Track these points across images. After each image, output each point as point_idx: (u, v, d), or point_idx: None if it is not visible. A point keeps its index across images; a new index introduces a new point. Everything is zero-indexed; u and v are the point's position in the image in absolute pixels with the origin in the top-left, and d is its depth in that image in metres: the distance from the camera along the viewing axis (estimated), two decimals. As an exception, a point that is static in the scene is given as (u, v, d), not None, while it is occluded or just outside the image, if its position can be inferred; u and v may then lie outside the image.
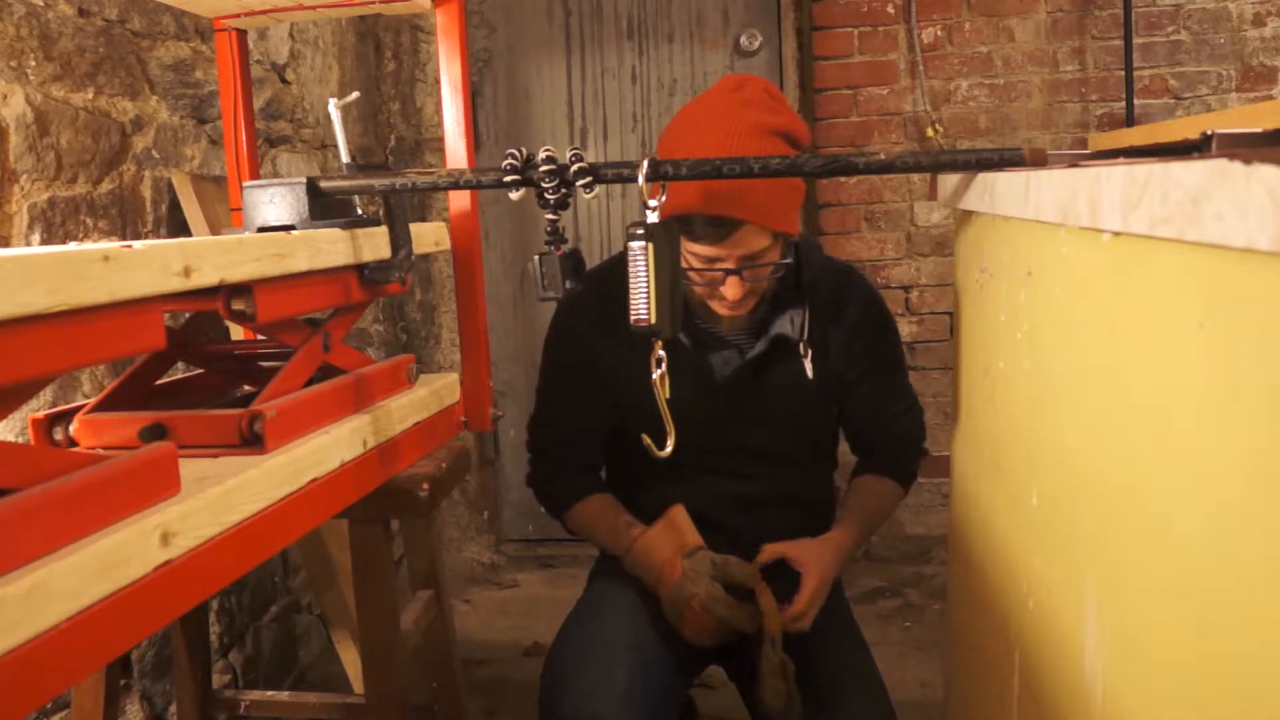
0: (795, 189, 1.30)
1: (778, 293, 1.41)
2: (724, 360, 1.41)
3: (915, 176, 2.74)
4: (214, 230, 1.70)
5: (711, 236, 1.24)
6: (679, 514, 1.40)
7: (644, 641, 1.34)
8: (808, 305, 1.40)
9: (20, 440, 1.30)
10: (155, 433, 0.98)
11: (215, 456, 0.97)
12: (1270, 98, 2.66)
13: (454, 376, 1.48)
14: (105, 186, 1.55)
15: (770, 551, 1.38)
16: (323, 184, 1.17)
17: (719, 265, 1.27)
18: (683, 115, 1.31)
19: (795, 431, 1.46)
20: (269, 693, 1.62)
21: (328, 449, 1.07)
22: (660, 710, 1.30)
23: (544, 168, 1.05)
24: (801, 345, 1.40)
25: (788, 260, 1.34)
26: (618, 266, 1.21)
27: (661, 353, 1.05)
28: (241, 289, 0.96)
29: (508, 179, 1.07)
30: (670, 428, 1.07)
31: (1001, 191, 0.90)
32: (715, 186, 1.19)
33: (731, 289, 1.28)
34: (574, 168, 1.04)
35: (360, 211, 1.27)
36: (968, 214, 1.10)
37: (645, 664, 1.31)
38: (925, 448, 1.59)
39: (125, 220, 1.60)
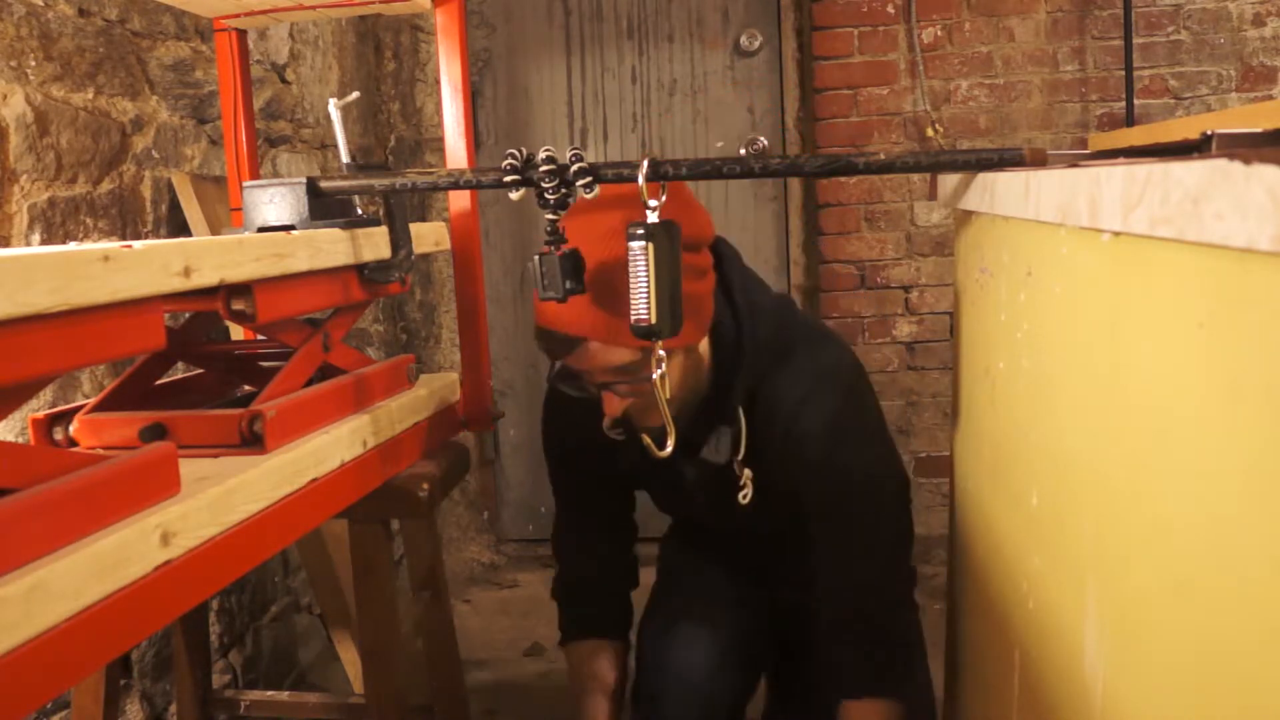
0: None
1: (700, 408, 1.21)
2: (691, 469, 1.29)
3: (915, 176, 2.74)
4: (214, 230, 1.70)
5: (558, 351, 1.13)
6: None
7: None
8: (743, 418, 1.21)
9: (20, 440, 1.30)
10: (155, 433, 0.98)
11: (215, 456, 0.97)
12: (1270, 98, 2.66)
13: (454, 376, 1.48)
14: (105, 186, 1.55)
15: None
16: (323, 184, 1.17)
17: (592, 382, 1.15)
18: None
19: (774, 522, 1.32)
20: (269, 693, 1.62)
21: (328, 449, 1.07)
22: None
23: (544, 168, 1.05)
24: (735, 466, 1.22)
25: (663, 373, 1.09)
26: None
27: (662, 353, 1.05)
28: (241, 289, 0.96)
29: (508, 179, 1.07)
30: (671, 428, 1.08)
31: (1001, 191, 0.90)
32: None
33: (607, 405, 1.15)
34: (574, 168, 1.04)
35: (360, 211, 1.27)
36: (968, 214, 1.10)
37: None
38: (917, 636, 1.32)
39: (125, 220, 1.60)
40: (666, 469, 1.24)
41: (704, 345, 1.19)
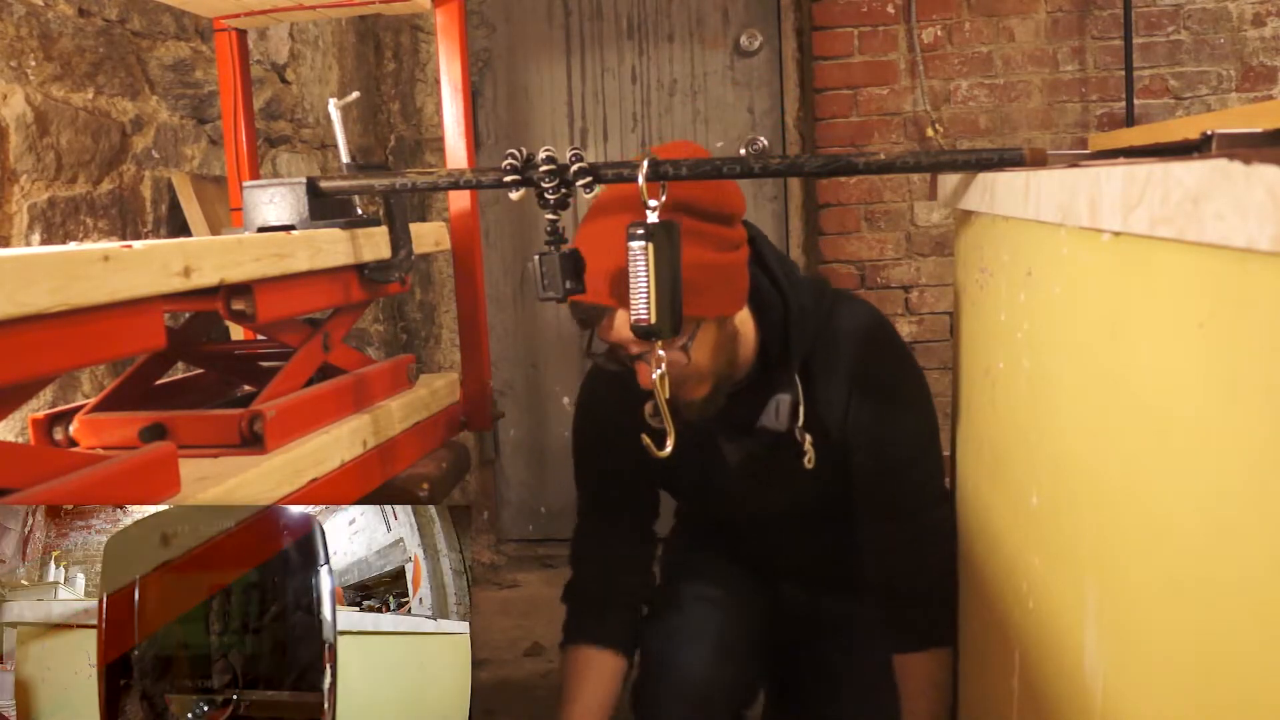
0: (705, 267, 1.10)
1: (758, 376, 1.24)
2: (736, 448, 1.31)
3: (915, 176, 2.74)
4: (214, 230, 1.70)
5: (589, 320, 1.15)
6: None
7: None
8: (799, 384, 1.23)
9: (20, 440, 1.30)
10: (155, 433, 0.98)
11: (215, 456, 0.97)
12: (1270, 98, 2.66)
13: (454, 376, 1.48)
14: (105, 186, 1.55)
15: None
16: (323, 184, 1.17)
17: (623, 353, 1.16)
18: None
19: (819, 496, 1.33)
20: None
21: (328, 449, 1.07)
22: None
23: (544, 168, 1.05)
24: (796, 432, 1.23)
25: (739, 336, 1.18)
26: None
27: (662, 352, 1.05)
28: (241, 289, 0.96)
29: (508, 179, 1.07)
30: (670, 428, 1.07)
31: (1001, 191, 0.90)
32: (599, 270, 1.09)
33: (641, 377, 1.15)
34: (574, 168, 1.04)
35: (360, 211, 1.27)
36: (968, 214, 1.10)
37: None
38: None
39: (125, 220, 1.60)
40: (707, 450, 1.28)
41: (744, 317, 1.21)
